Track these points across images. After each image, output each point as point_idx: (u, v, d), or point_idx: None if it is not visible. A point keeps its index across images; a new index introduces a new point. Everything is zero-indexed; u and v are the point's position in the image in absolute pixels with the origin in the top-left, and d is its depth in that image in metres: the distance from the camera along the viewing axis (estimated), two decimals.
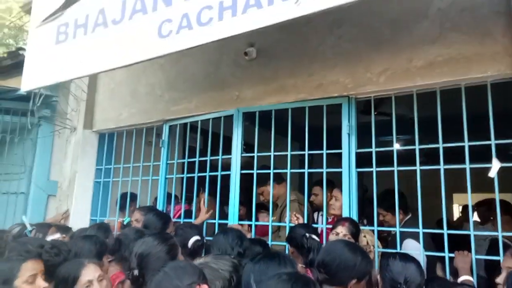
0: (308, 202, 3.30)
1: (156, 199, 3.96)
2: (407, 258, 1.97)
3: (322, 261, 1.94)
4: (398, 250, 2.67)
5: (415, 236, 2.72)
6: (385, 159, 2.89)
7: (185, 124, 3.87)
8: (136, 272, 1.94)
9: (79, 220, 4.14)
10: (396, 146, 2.86)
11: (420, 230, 2.68)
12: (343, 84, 2.98)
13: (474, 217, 4.59)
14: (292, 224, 3.02)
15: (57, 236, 2.80)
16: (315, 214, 3.69)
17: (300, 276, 1.54)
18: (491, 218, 4.56)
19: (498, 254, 2.39)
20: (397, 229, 2.76)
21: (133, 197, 4.11)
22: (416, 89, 2.75)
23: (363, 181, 3.32)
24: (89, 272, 1.97)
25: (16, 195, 4.73)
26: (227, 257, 1.88)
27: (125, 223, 3.05)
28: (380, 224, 3.01)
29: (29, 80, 3.58)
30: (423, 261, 2.50)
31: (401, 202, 2.87)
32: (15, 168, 4.74)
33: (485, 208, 4.55)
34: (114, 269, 2.45)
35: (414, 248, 2.64)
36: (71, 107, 4.58)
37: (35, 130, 4.81)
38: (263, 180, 3.41)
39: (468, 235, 2.49)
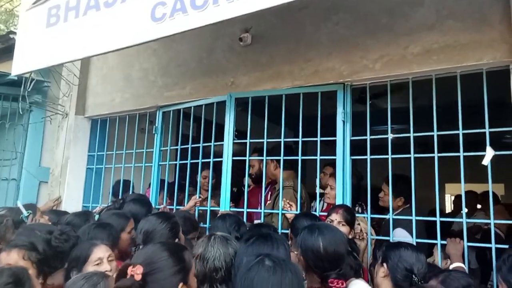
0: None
1: (149, 185, 3.93)
2: (417, 249, 1.98)
3: None
4: (390, 237, 2.70)
5: (405, 226, 2.76)
6: (378, 150, 2.88)
7: (179, 110, 3.82)
8: (141, 247, 1.99)
9: (72, 206, 4.07)
10: (391, 135, 2.85)
11: (413, 217, 2.68)
12: (339, 71, 2.95)
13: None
14: (285, 211, 3.02)
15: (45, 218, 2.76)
16: (313, 203, 3.68)
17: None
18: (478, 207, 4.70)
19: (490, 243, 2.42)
20: (391, 216, 2.77)
21: (128, 184, 4.07)
22: (412, 77, 2.74)
23: (358, 169, 3.30)
24: (100, 251, 2.02)
25: (7, 181, 4.70)
26: (234, 241, 1.94)
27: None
28: (375, 203, 3.01)
29: (19, 65, 3.51)
30: None
31: (405, 189, 2.87)
32: (6, 154, 4.70)
33: (471, 197, 4.65)
34: None
35: (403, 238, 2.67)
36: (63, 92, 4.50)
37: (26, 116, 4.76)
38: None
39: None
